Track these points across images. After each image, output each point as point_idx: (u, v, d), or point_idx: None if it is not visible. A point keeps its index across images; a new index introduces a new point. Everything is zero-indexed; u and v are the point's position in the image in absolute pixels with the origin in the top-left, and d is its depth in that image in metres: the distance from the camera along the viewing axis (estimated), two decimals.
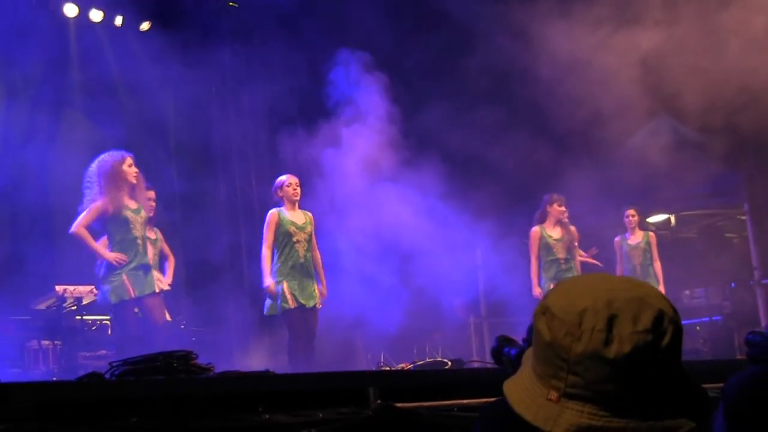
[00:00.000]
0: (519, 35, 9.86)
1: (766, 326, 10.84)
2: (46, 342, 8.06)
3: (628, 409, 1.31)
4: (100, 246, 7.36)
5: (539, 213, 9.74)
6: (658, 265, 10.30)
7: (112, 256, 7.30)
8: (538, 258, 9.62)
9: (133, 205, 7.50)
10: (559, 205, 9.65)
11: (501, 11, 9.98)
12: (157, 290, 7.46)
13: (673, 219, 12.98)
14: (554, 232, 9.67)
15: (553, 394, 1.35)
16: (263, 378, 4.13)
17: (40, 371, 7.76)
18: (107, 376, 3.77)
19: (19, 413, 3.21)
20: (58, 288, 8.00)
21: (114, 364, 3.84)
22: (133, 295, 7.29)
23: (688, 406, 1.35)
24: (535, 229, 9.67)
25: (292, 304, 7.84)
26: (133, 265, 7.36)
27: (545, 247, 9.63)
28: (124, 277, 7.30)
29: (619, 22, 9.81)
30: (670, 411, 1.33)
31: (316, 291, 8.02)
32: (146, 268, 7.47)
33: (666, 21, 9.74)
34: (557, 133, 10.36)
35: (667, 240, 12.82)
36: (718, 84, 9.52)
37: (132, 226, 7.41)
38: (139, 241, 7.47)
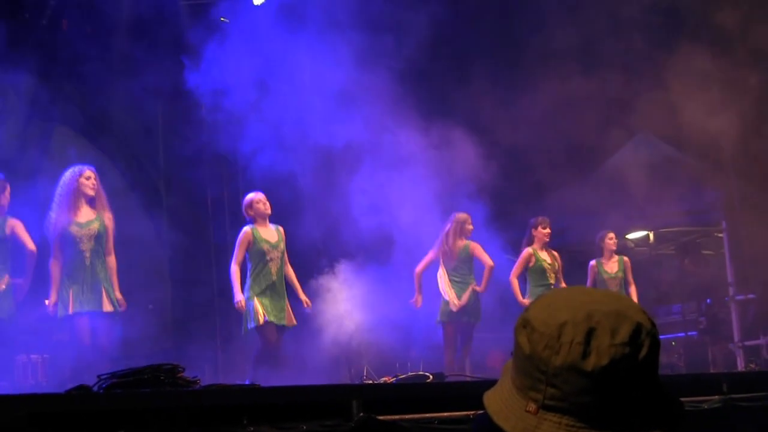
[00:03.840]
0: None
1: None
2: (34, 356, 8.05)
3: (605, 420, 1.33)
4: (54, 285, 7.35)
5: (526, 237, 9.73)
6: (633, 289, 10.24)
7: (51, 299, 7.32)
8: (526, 281, 9.60)
9: (83, 218, 7.44)
10: (544, 228, 9.62)
11: None
12: (104, 309, 7.35)
13: (651, 236, 13.05)
14: (546, 257, 9.65)
15: (532, 406, 1.36)
16: (248, 391, 4.17)
17: (29, 384, 7.73)
18: (95, 388, 3.79)
19: (8, 425, 3.23)
20: (48, 302, 7.98)
21: (102, 377, 3.86)
22: (72, 312, 7.25)
23: (663, 418, 1.36)
24: (528, 250, 9.62)
25: (261, 320, 7.93)
26: (78, 278, 7.33)
27: (539, 271, 9.58)
28: (70, 292, 7.29)
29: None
30: (645, 422, 1.34)
31: (288, 310, 8.10)
32: (94, 285, 7.35)
33: None
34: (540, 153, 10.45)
35: (646, 256, 12.93)
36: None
37: (78, 240, 7.36)
38: (87, 255, 7.38)
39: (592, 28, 10.17)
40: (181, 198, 11.07)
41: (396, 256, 10.02)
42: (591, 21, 10.21)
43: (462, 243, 9.53)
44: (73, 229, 7.38)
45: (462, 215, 9.59)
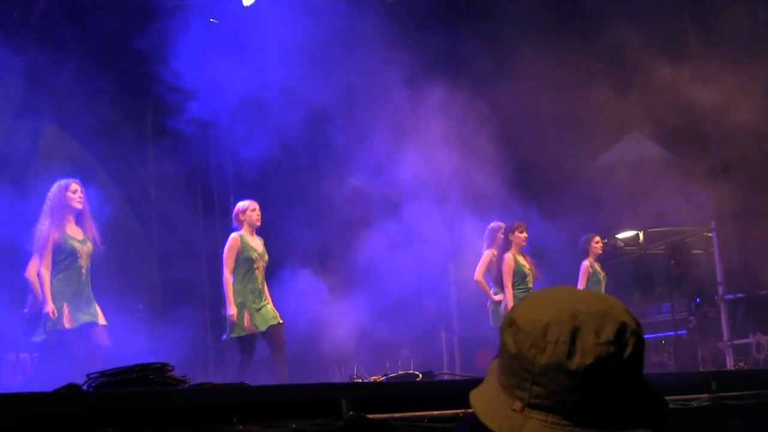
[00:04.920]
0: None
1: None
2: (23, 354, 8.03)
3: (589, 418, 1.33)
4: (48, 294, 7.23)
5: (503, 242, 9.64)
6: None
7: (50, 308, 7.19)
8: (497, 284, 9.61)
9: (79, 235, 7.44)
10: (521, 232, 9.54)
11: None
12: (100, 322, 7.38)
13: (641, 235, 13.09)
14: (525, 261, 9.60)
15: (518, 405, 1.36)
16: (237, 390, 4.17)
17: (18, 383, 7.72)
18: (84, 387, 3.79)
19: None
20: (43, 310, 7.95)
21: (91, 375, 3.86)
22: (69, 326, 7.22)
23: (647, 416, 1.37)
24: (509, 257, 9.50)
25: (248, 331, 8.03)
26: (73, 292, 7.31)
27: (520, 274, 9.51)
28: (65, 306, 7.24)
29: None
30: (630, 420, 1.35)
31: (274, 309, 8.17)
32: (89, 300, 7.38)
33: None
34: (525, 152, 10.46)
35: (636, 255, 12.97)
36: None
37: (79, 255, 7.36)
38: (84, 271, 7.39)
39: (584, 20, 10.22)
40: (172, 201, 11.03)
41: (395, 248, 10.04)
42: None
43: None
44: (74, 243, 7.37)
45: (493, 224, 9.68)
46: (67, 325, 7.25)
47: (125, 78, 10.39)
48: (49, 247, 7.31)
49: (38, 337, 7.30)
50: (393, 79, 9.92)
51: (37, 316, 7.61)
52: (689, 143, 10.69)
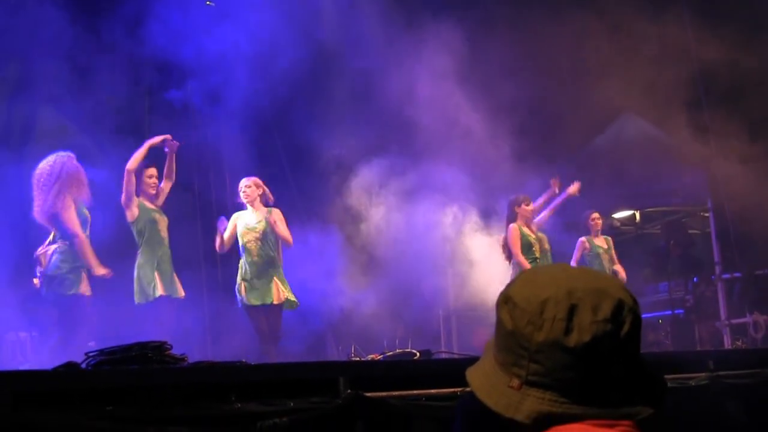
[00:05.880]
0: None
1: None
2: (23, 333, 8.07)
3: (587, 396, 1.35)
4: (94, 259, 7.28)
5: (508, 216, 9.62)
6: (619, 266, 10.28)
7: (103, 271, 7.26)
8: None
9: (85, 204, 7.47)
10: (527, 205, 9.55)
11: None
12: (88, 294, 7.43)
13: (638, 215, 13.11)
14: (530, 232, 9.59)
15: (515, 382, 1.38)
16: (235, 368, 4.17)
17: (18, 362, 7.74)
18: (83, 365, 3.79)
19: None
20: (36, 281, 7.96)
21: (90, 354, 3.86)
22: (82, 292, 7.27)
23: (645, 394, 1.38)
24: (514, 227, 9.46)
25: (242, 303, 8.23)
26: (77, 263, 7.32)
27: (526, 244, 9.47)
28: (82, 273, 7.28)
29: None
30: (628, 398, 1.37)
31: (274, 288, 8.18)
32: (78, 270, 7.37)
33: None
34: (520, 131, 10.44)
35: (632, 235, 12.99)
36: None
37: (88, 224, 7.39)
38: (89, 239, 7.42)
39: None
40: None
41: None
42: None
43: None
44: (85, 211, 7.42)
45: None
46: (84, 291, 7.30)
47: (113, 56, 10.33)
48: (73, 215, 7.27)
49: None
50: (389, 41, 9.90)
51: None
52: (685, 122, 10.67)
